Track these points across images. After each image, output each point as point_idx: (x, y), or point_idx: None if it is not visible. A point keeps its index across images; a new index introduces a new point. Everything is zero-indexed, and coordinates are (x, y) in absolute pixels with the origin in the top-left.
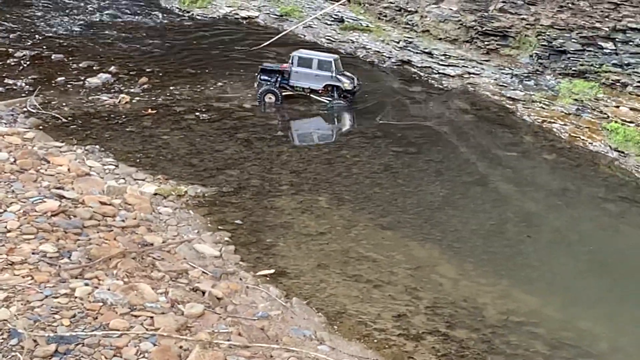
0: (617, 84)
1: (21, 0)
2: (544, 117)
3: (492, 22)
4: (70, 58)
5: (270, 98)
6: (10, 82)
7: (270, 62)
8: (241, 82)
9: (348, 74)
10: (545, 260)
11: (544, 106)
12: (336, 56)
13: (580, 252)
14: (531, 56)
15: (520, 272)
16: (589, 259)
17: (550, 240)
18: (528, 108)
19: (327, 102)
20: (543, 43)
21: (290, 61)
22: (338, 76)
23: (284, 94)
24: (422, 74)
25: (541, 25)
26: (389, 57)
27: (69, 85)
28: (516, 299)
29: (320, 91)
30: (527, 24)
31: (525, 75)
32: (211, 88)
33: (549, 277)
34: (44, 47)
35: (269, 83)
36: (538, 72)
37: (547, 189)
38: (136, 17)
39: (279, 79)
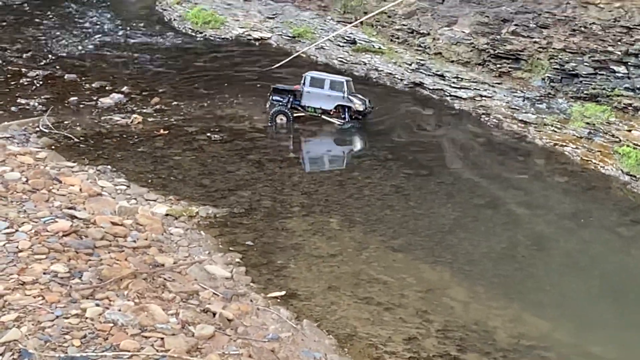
0: (629, 107)
1: (35, 19)
2: (556, 140)
3: (505, 45)
4: (83, 78)
5: (281, 119)
6: (23, 101)
7: (283, 84)
8: (253, 103)
9: (360, 96)
10: (556, 284)
11: (555, 129)
12: (348, 78)
13: (591, 275)
14: (543, 79)
15: (531, 295)
16: (600, 283)
17: (561, 264)
18: (540, 131)
19: (339, 123)
20: (555, 66)
21: (302, 81)
22: (350, 97)
23: (295, 114)
24: (434, 96)
25: (553, 48)
26: (401, 79)
27: (81, 105)
28: (527, 322)
29: (331, 112)
30: (539, 47)
31: (537, 98)
32: (223, 109)
33: (560, 301)
34: (57, 66)
35: (281, 103)
36: (550, 95)
37: (558, 212)
38: (149, 37)
39: (291, 99)
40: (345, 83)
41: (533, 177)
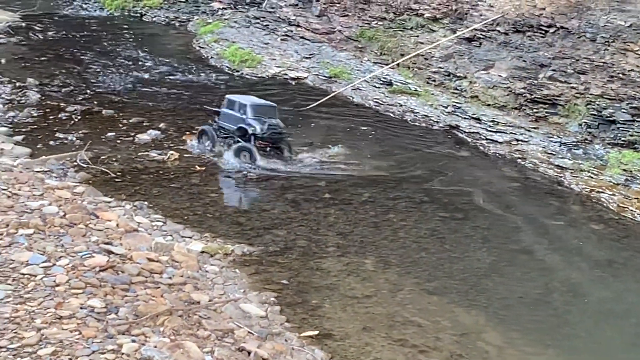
0: None
1: (74, 55)
2: (592, 186)
3: (542, 90)
4: (121, 114)
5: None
6: (62, 136)
7: (317, 124)
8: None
9: (273, 120)
10: (592, 331)
11: (592, 175)
12: (263, 102)
13: (626, 324)
14: (580, 125)
15: (567, 342)
16: (635, 331)
17: (596, 311)
18: (576, 177)
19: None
20: (592, 112)
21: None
22: (250, 120)
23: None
24: (469, 139)
25: (591, 94)
26: (437, 122)
27: (118, 141)
28: None
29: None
30: (576, 93)
31: (574, 143)
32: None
33: (594, 349)
34: (95, 102)
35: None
36: (587, 141)
37: (593, 260)
38: (186, 75)
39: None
40: (249, 105)
41: (568, 223)
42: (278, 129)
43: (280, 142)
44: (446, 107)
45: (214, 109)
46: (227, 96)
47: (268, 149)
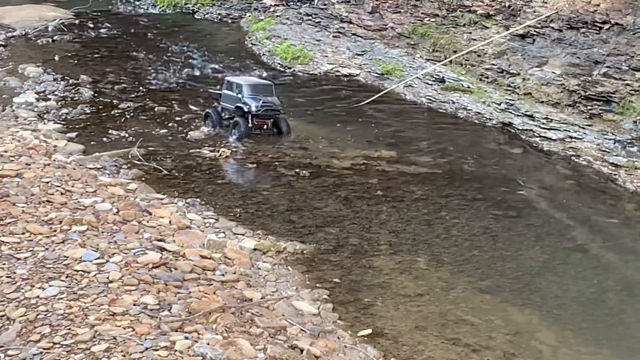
0: None
1: (127, 53)
2: None
3: (596, 87)
4: (173, 111)
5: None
6: (114, 133)
7: (370, 121)
8: (341, 140)
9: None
10: None
11: None
12: (259, 80)
13: None
14: (635, 122)
15: (622, 342)
16: None
17: None
18: (631, 175)
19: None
20: None
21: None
22: (246, 99)
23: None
24: (522, 136)
25: None
26: (490, 119)
27: (170, 137)
28: None
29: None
30: (631, 90)
31: (629, 141)
32: (311, 144)
33: None
34: (148, 99)
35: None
36: None
37: None
38: (237, 72)
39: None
40: (244, 85)
41: (623, 221)
42: (273, 105)
43: (278, 121)
44: (499, 104)
45: (217, 91)
46: (227, 78)
47: (265, 127)
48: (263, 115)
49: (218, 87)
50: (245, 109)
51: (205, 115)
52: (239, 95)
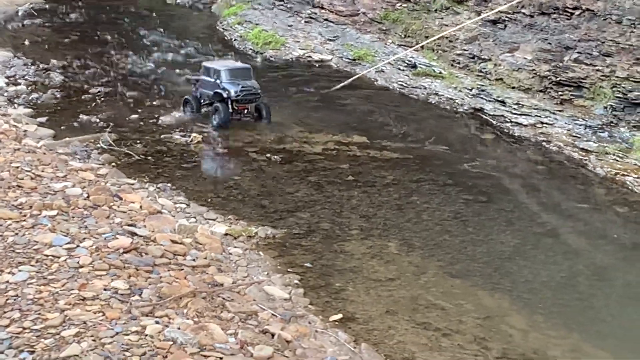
0: None
1: (96, 37)
2: (617, 169)
3: (567, 73)
4: (144, 96)
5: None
6: (85, 118)
7: (341, 105)
8: (313, 125)
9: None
10: (617, 315)
11: (617, 159)
12: (237, 64)
13: None
14: (605, 108)
15: (592, 326)
16: None
17: (622, 295)
18: (601, 160)
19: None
20: (618, 95)
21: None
22: (224, 84)
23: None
24: (494, 122)
25: (616, 77)
26: (461, 104)
27: (142, 123)
28: (587, 353)
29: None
30: (602, 75)
31: (599, 126)
32: (282, 130)
33: (620, 333)
34: (118, 84)
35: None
36: (612, 124)
37: (618, 243)
38: (209, 57)
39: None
40: (222, 70)
41: (593, 206)
42: (253, 89)
43: (259, 105)
44: (471, 90)
45: (195, 77)
46: (203, 63)
47: (246, 111)
48: (243, 100)
49: (194, 73)
50: (225, 95)
51: (184, 102)
52: (217, 81)
